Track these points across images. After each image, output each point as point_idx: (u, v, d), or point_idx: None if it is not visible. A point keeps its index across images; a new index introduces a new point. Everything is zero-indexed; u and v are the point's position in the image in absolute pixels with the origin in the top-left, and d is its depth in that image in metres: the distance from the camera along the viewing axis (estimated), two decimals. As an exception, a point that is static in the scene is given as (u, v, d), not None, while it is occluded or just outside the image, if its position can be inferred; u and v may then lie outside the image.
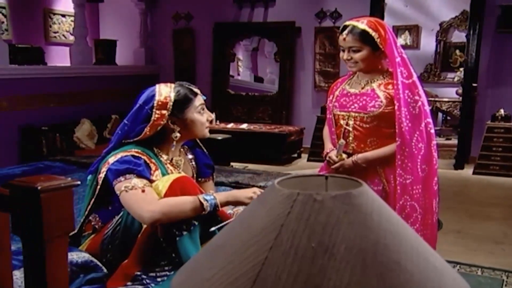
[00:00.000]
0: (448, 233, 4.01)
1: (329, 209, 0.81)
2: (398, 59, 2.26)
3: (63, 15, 7.56)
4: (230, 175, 3.48)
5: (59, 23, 7.53)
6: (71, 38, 7.00)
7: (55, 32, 7.46)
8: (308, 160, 6.83)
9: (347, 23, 2.35)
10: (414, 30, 10.00)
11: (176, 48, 7.92)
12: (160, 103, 2.00)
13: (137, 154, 1.96)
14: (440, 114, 9.77)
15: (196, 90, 2.11)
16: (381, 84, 2.34)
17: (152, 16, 8.06)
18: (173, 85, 2.09)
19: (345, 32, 2.31)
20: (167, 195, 1.86)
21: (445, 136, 9.19)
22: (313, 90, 7.38)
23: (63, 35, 7.61)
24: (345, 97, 2.42)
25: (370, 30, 2.26)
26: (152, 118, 1.98)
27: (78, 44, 6.70)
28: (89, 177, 2.11)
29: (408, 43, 10.02)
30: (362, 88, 2.38)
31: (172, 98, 2.01)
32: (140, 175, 1.88)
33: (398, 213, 2.26)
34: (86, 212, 2.07)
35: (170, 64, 8.01)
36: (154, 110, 1.99)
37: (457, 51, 9.77)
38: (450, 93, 9.21)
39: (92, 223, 2.07)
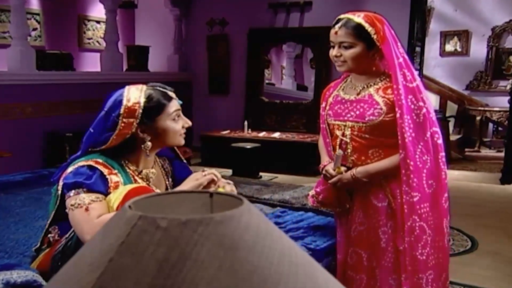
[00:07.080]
0: (483, 255, 3.61)
1: (173, 239, 0.58)
2: (400, 60, 1.98)
3: (98, 22, 7.57)
4: (237, 186, 3.25)
5: (94, 30, 7.54)
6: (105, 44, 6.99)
7: (89, 39, 7.47)
8: (342, 171, 6.48)
9: (341, 16, 2.07)
10: (464, 35, 9.53)
11: (210, 54, 7.78)
12: (127, 110, 1.74)
13: (95, 165, 1.73)
14: (490, 125, 9.26)
15: (171, 94, 1.85)
16: (379, 89, 2.05)
17: (186, 22, 7.97)
18: (144, 87, 1.83)
19: (338, 25, 2.04)
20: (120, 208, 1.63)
21: (496, 148, 8.64)
22: (349, 98, 7.05)
23: (97, 42, 7.61)
24: (340, 104, 2.13)
25: (366, 25, 1.99)
26: (118, 127, 1.74)
27: (109, 50, 6.66)
28: (55, 186, 1.93)
29: (458, 50, 9.57)
30: (358, 94, 2.09)
31: (142, 105, 1.76)
32: (90, 189, 1.67)
33: (406, 235, 1.97)
34: (47, 225, 1.89)
35: (204, 70, 7.88)
36: (120, 118, 1.74)
37: (511, 58, 9.23)
38: (502, 103, 8.67)
39: (49, 235, 1.87)
